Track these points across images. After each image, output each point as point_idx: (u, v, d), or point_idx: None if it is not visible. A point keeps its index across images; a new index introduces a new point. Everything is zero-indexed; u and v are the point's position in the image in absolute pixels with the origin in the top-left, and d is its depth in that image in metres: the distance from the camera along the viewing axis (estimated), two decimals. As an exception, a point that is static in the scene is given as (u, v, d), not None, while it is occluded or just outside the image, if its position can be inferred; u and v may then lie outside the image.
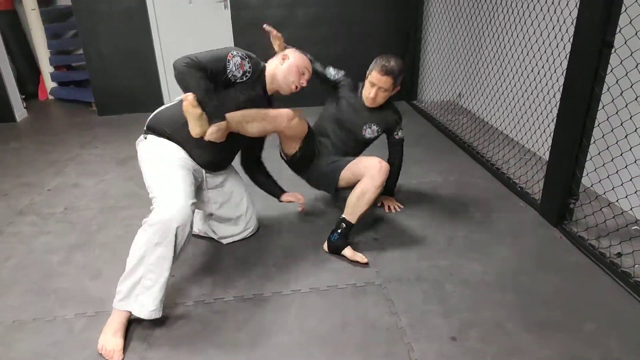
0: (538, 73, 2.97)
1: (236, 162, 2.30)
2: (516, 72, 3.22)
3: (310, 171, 2.36)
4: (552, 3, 2.71)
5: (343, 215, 2.18)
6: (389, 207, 2.61)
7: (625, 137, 2.16)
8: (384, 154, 2.48)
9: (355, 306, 1.88)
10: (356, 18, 4.44)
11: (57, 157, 3.54)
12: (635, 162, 2.10)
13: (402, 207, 2.61)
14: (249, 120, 1.95)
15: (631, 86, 2.10)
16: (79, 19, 4.23)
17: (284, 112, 2.01)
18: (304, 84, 2.10)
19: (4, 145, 3.81)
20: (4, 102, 4.33)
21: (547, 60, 2.87)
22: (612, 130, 2.21)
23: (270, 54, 2.16)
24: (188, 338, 1.74)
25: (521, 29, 3.13)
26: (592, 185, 2.38)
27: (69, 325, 1.81)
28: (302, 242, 2.33)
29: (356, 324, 1.79)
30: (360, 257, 2.13)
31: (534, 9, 2.91)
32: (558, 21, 2.68)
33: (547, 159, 2.47)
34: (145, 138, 1.99)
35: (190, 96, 1.75)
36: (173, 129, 1.95)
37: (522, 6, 3.07)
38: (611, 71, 2.08)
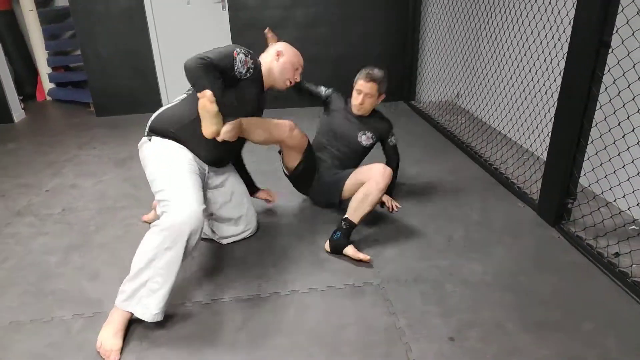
0: (536, 73, 2.98)
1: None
2: (514, 72, 3.22)
3: (313, 186, 2.47)
4: (550, 3, 2.71)
5: (346, 215, 2.21)
6: (388, 206, 2.61)
7: (623, 136, 2.17)
8: (381, 162, 2.49)
9: (354, 306, 1.88)
10: (356, 18, 4.44)
11: (55, 158, 3.53)
12: (632, 161, 2.10)
13: (400, 206, 2.61)
14: (257, 127, 2.05)
15: (628, 86, 2.11)
16: (77, 19, 4.22)
17: (287, 122, 2.15)
18: (298, 79, 2.23)
19: (2, 147, 3.80)
20: (2, 103, 4.32)
21: (544, 61, 2.88)
22: (609, 130, 2.22)
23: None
24: (187, 339, 1.73)
25: (519, 29, 3.13)
26: (589, 185, 2.39)
27: (67, 326, 1.80)
28: (300, 242, 2.33)
29: (355, 324, 1.79)
30: (362, 255, 2.14)
31: (531, 9, 2.91)
32: (555, 21, 2.69)
33: (545, 159, 2.48)
34: (150, 140, 1.98)
35: (208, 92, 1.77)
36: (177, 128, 1.95)
37: (519, 6, 3.07)
38: (608, 71, 2.08)
